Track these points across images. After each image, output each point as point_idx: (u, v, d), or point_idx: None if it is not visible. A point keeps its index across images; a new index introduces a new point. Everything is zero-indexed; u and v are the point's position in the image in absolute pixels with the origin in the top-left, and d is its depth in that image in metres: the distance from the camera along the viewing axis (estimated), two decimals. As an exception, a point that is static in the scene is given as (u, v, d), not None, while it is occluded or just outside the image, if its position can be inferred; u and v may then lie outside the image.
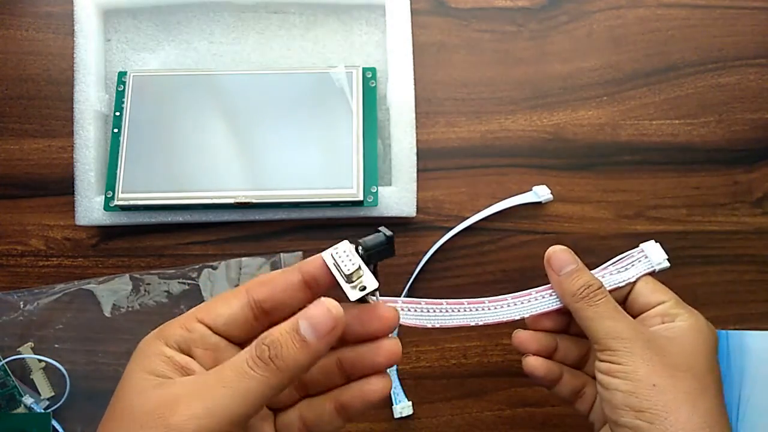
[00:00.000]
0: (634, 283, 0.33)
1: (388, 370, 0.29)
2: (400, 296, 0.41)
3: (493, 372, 0.41)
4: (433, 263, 0.42)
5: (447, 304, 0.31)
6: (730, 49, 0.45)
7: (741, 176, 0.43)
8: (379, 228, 0.25)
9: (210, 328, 0.24)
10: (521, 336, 0.34)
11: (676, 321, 0.31)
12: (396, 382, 0.41)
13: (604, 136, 0.44)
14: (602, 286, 0.32)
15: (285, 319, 0.23)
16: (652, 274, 0.33)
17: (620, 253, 0.34)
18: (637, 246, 0.34)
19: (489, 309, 0.32)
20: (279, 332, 0.22)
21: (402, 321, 0.28)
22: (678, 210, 0.43)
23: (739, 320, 0.42)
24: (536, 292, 0.33)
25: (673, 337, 0.30)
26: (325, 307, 0.22)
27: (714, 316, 0.42)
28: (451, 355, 0.41)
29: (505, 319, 0.32)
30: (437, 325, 0.31)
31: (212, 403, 0.21)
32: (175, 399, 0.21)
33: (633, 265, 0.34)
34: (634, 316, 0.32)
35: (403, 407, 0.40)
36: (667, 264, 0.33)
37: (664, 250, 0.33)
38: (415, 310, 0.30)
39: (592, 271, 0.33)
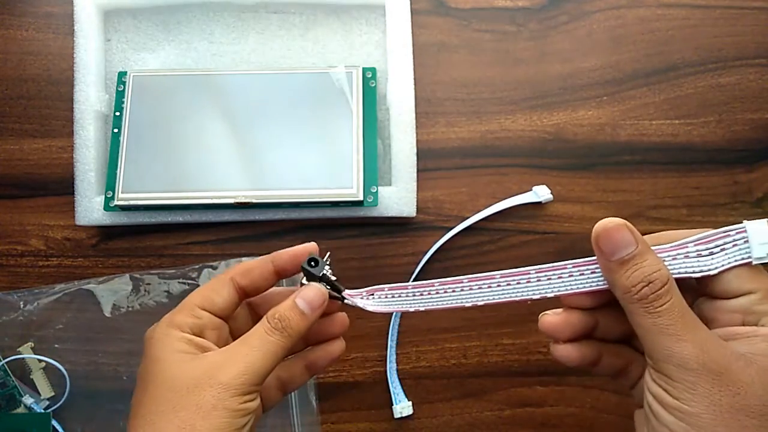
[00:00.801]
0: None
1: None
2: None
3: (493, 372, 0.41)
4: (433, 263, 0.42)
5: (440, 284, 0.29)
6: (730, 49, 0.45)
7: (741, 176, 0.43)
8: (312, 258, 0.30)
9: (212, 313, 0.30)
10: (549, 321, 0.28)
11: (762, 326, 0.25)
12: (396, 382, 0.41)
13: (604, 136, 0.44)
14: (669, 281, 0.24)
15: (257, 294, 0.31)
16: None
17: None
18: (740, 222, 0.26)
19: (500, 286, 0.28)
20: (284, 308, 0.28)
21: (386, 309, 0.31)
22: (678, 210, 0.43)
23: (739, 320, 0.42)
24: (573, 266, 0.27)
25: (754, 357, 0.24)
26: (316, 288, 0.29)
27: (714, 316, 0.42)
28: (451, 355, 0.41)
29: (522, 298, 0.27)
30: (424, 308, 0.30)
31: (249, 362, 0.27)
32: (217, 364, 0.27)
33: (723, 250, 0.25)
34: (707, 298, 0.26)
35: (403, 407, 0.40)
36: None
37: None
38: (400, 296, 0.30)
39: (661, 247, 0.26)
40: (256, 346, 0.28)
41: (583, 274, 0.27)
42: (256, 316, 0.32)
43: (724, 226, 0.26)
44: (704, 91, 0.44)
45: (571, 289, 0.27)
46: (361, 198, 0.40)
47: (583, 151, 0.43)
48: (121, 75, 0.43)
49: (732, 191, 0.43)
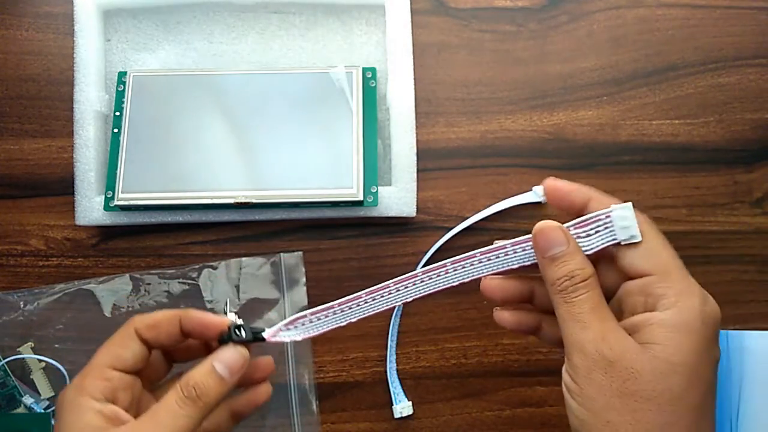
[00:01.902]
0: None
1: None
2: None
3: (493, 372, 0.41)
4: (433, 263, 0.42)
5: (367, 294, 0.30)
6: (730, 49, 0.45)
7: (741, 176, 0.43)
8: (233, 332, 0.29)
9: (122, 370, 0.28)
10: (486, 283, 0.31)
11: (658, 310, 0.26)
12: (396, 382, 0.41)
13: (604, 136, 0.44)
14: (590, 278, 0.27)
15: (162, 349, 0.30)
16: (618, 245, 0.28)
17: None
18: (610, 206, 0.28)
19: (423, 282, 0.30)
20: (199, 375, 0.27)
21: (316, 332, 0.30)
22: (678, 210, 0.43)
23: (739, 320, 0.42)
24: (512, 245, 0.29)
25: (649, 345, 0.25)
26: (236, 350, 0.28)
27: (714, 316, 0.42)
28: (451, 355, 0.41)
29: (471, 278, 0.30)
30: (357, 318, 0.30)
31: None
32: None
33: (597, 232, 0.28)
34: (620, 284, 0.28)
35: (403, 407, 0.40)
36: (637, 238, 0.27)
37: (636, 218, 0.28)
38: (327, 316, 0.30)
39: None
40: (165, 423, 0.26)
41: (525, 251, 0.29)
42: (170, 360, 0.31)
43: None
44: (704, 91, 0.44)
45: (502, 267, 0.30)
46: (361, 198, 0.40)
47: (583, 151, 0.43)
48: (121, 75, 0.43)
49: (732, 191, 0.43)
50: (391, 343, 0.41)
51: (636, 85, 0.44)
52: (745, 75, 0.44)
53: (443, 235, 0.42)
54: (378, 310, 0.31)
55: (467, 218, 0.42)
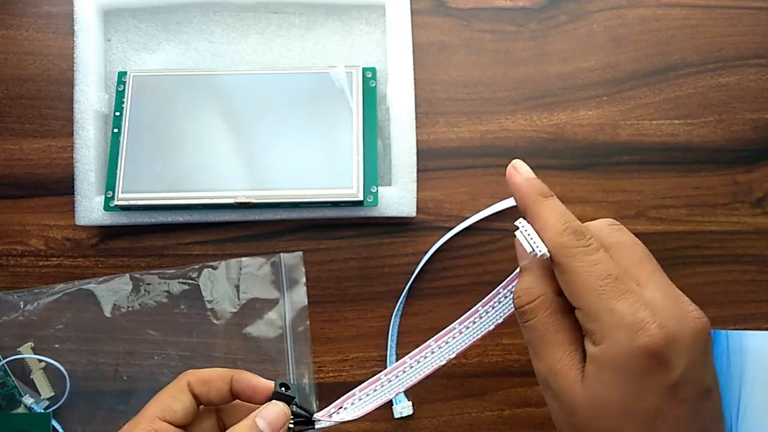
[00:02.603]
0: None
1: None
2: (400, 297, 0.41)
3: (493, 372, 0.41)
4: (433, 263, 0.42)
5: (411, 358, 0.31)
6: (730, 49, 0.45)
7: (741, 176, 0.43)
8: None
9: (171, 423, 0.28)
10: None
11: (592, 344, 0.25)
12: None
13: (604, 136, 0.44)
14: (534, 301, 0.27)
15: (211, 406, 0.30)
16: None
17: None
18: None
19: (458, 336, 0.30)
20: (242, 429, 0.27)
21: (368, 408, 0.30)
22: (678, 210, 0.43)
23: (739, 320, 0.42)
24: (504, 288, 0.29)
25: (585, 377, 0.25)
26: (279, 408, 0.28)
27: (714, 316, 0.42)
28: (451, 355, 0.41)
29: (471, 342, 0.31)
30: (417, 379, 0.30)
31: None
32: None
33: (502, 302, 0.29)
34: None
35: (403, 407, 0.40)
36: (541, 253, 0.27)
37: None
38: (375, 390, 0.31)
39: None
40: None
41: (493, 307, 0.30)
42: (219, 420, 0.32)
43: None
44: (704, 91, 0.44)
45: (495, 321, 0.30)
46: (361, 198, 0.40)
47: (583, 151, 0.43)
48: (121, 75, 0.43)
49: (732, 191, 0.43)
50: (391, 343, 0.41)
51: (636, 85, 0.44)
52: (745, 75, 0.44)
53: (443, 235, 0.42)
54: (424, 374, 0.31)
55: (467, 218, 0.42)
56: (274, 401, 0.29)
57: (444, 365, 0.31)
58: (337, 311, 0.42)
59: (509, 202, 0.42)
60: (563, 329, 0.27)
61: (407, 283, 0.42)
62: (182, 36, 0.45)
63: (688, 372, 0.25)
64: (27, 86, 0.44)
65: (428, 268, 0.42)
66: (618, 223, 0.28)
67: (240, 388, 0.30)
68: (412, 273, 0.42)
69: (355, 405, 0.30)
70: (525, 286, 0.27)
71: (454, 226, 0.42)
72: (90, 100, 0.42)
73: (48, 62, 0.45)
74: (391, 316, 0.41)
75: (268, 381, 0.30)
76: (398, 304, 0.41)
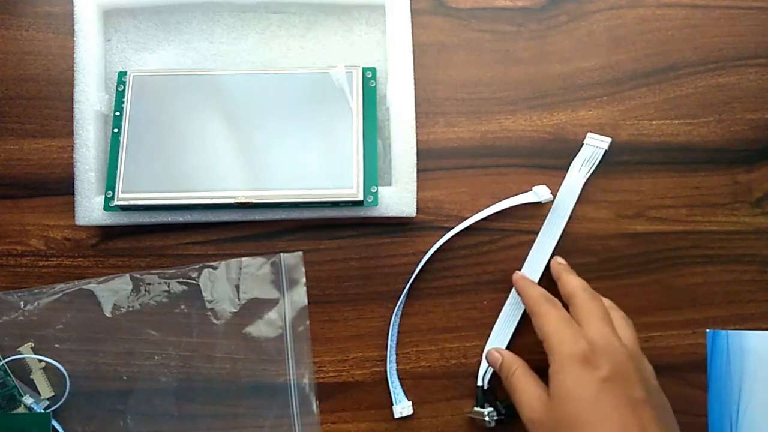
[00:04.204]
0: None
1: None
2: (400, 297, 0.41)
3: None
4: (433, 263, 0.42)
5: None
6: (730, 49, 0.45)
7: (741, 176, 0.43)
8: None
9: None
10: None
11: (550, 369, 0.35)
12: (396, 382, 0.41)
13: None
14: (515, 372, 0.37)
15: None
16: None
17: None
18: None
19: None
20: None
21: None
22: (678, 210, 0.43)
23: (739, 320, 0.42)
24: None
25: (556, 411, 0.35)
26: None
27: (714, 316, 0.42)
28: (451, 355, 0.42)
29: None
30: None
31: None
32: None
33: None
34: None
35: (403, 407, 0.40)
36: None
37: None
38: None
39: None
40: None
41: None
42: None
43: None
44: (704, 91, 0.44)
45: None
46: (361, 198, 0.40)
47: (583, 151, 0.43)
48: (121, 75, 0.43)
49: (732, 191, 0.43)
50: (391, 343, 0.41)
51: (636, 85, 0.44)
52: (745, 75, 0.44)
53: (443, 235, 0.42)
54: None
55: (467, 218, 0.42)
56: None
57: None
58: (337, 311, 0.42)
59: (509, 202, 0.42)
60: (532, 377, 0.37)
61: (407, 283, 0.42)
62: (182, 36, 0.45)
63: (616, 375, 0.33)
64: (27, 86, 0.44)
65: (428, 268, 0.42)
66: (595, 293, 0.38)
67: None
68: (412, 273, 0.42)
69: None
70: (506, 364, 0.39)
71: (454, 226, 0.42)
72: (90, 100, 0.42)
73: (48, 62, 0.45)
74: (391, 316, 0.41)
75: None
76: (398, 304, 0.41)
